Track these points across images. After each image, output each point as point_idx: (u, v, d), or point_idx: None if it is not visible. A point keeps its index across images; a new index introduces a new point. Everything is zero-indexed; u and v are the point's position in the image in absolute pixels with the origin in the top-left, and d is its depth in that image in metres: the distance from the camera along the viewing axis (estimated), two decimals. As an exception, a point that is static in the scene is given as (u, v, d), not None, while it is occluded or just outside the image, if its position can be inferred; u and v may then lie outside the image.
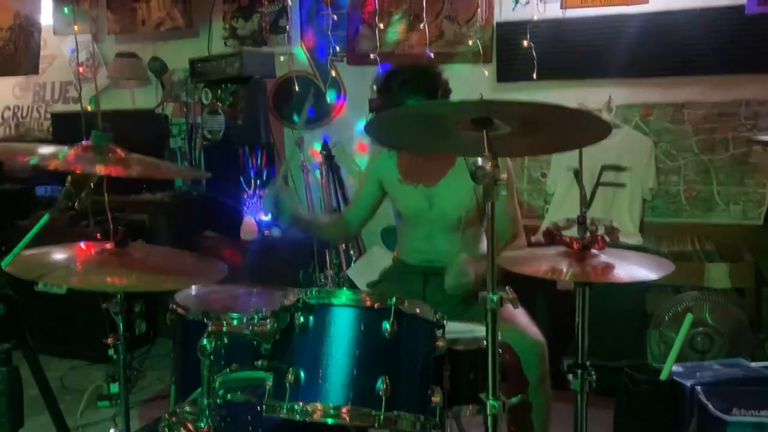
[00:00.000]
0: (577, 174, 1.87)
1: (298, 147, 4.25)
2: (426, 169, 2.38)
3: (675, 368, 2.07)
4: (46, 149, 1.71)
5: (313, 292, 1.43)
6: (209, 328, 1.42)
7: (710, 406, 1.98)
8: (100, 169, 1.64)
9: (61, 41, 5.05)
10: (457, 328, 1.72)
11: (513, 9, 3.80)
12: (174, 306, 1.91)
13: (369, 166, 2.59)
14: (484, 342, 1.41)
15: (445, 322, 1.52)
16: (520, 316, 2.18)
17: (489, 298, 1.38)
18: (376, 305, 1.41)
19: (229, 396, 1.60)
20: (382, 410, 1.35)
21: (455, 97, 2.34)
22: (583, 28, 3.67)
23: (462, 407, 1.58)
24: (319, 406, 1.35)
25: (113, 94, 4.98)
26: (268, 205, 2.35)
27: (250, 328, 1.46)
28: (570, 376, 1.81)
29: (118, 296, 1.92)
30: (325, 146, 4.11)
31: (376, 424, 1.37)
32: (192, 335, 1.77)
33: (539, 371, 2.12)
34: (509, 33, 3.81)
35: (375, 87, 2.38)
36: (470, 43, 3.89)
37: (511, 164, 2.52)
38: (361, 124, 4.09)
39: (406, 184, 2.41)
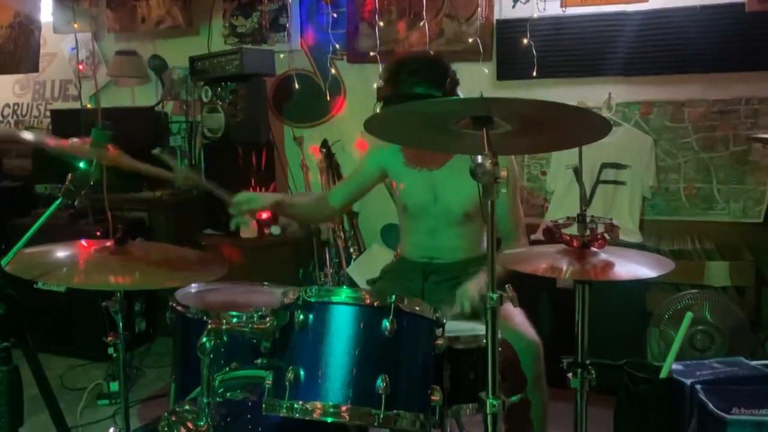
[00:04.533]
0: (577, 172, 1.87)
1: (297, 145, 4.26)
2: (430, 154, 2.37)
3: (675, 367, 2.07)
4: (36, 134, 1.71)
5: (313, 291, 1.43)
6: (209, 327, 1.42)
7: (710, 404, 1.98)
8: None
9: (61, 39, 5.05)
10: (457, 327, 1.72)
11: (513, 7, 3.80)
12: (174, 304, 1.91)
13: (373, 153, 2.54)
14: (484, 340, 1.41)
15: (444, 320, 1.52)
16: (517, 315, 2.17)
17: (489, 296, 1.38)
18: (375, 303, 1.41)
19: (228, 394, 1.61)
20: (382, 409, 1.35)
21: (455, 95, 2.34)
22: (583, 26, 3.67)
23: (462, 406, 1.58)
24: (318, 404, 1.35)
25: (113, 92, 4.98)
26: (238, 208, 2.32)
27: (250, 326, 1.46)
28: (569, 375, 1.81)
29: (118, 294, 1.92)
30: (324, 144, 4.11)
31: (375, 423, 1.36)
32: (192, 333, 1.77)
33: (535, 371, 2.13)
34: (509, 31, 3.81)
35: (383, 76, 2.36)
36: (470, 41, 3.88)
37: (516, 165, 2.51)
38: (360, 122, 4.08)
39: (410, 168, 2.40)
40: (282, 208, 2.50)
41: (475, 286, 2.05)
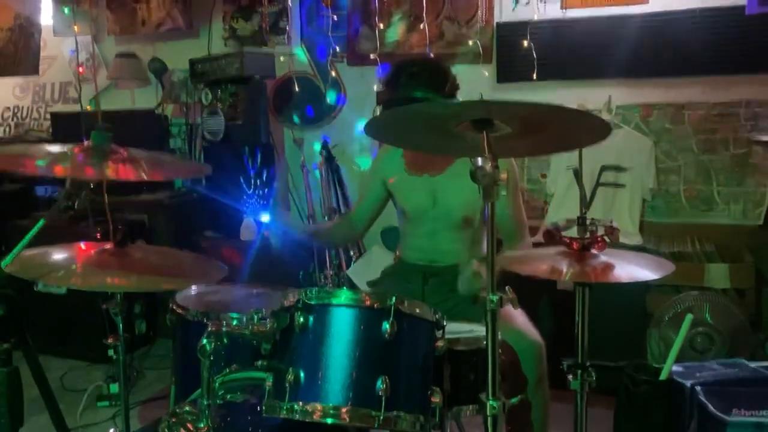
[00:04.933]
0: (577, 174, 1.87)
1: (298, 147, 4.26)
2: (431, 160, 2.37)
3: (675, 368, 2.08)
4: (47, 148, 1.71)
5: (313, 292, 1.43)
6: (209, 329, 1.43)
7: (710, 406, 1.98)
8: (110, 173, 1.65)
9: (61, 42, 5.05)
10: (456, 328, 1.72)
11: (513, 9, 3.80)
12: (174, 306, 1.91)
13: (374, 165, 2.58)
14: (484, 342, 1.41)
15: (444, 322, 1.52)
16: (519, 317, 2.18)
17: (489, 298, 1.38)
18: (375, 305, 1.41)
19: (229, 396, 1.61)
20: (382, 410, 1.35)
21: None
22: (584, 29, 3.68)
23: (462, 407, 1.58)
24: (318, 406, 1.35)
25: (113, 94, 4.98)
26: (275, 233, 2.39)
27: (250, 328, 1.46)
28: (570, 376, 1.81)
29: (118, 296, 1.92)
30: (325, 146, 4.11)
31: (375, 425, 1.36)
32: (192, 335, 1.77)
33: (537, 372, 2.13)
34: (509, 33, 3.82)
35: (383, 80, 2.37)
36: (470, 43, 3.89)
37: (516, 166, 2.52)
38: (361, 125, 4.09)
39: (412, 174, 2.40)
40: (316, 237, 2.67)
41: (478, 263, 2.04)
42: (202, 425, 1.43)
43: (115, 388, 3.32)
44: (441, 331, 1.51)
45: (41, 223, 1.65)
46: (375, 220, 2.62)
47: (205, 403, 1.42)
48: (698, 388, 2.03)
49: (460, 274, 2.06)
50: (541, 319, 2.91)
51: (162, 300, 3.77)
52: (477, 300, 1.98)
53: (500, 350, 1.43)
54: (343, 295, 1.43)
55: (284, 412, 1.36)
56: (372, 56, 4.06)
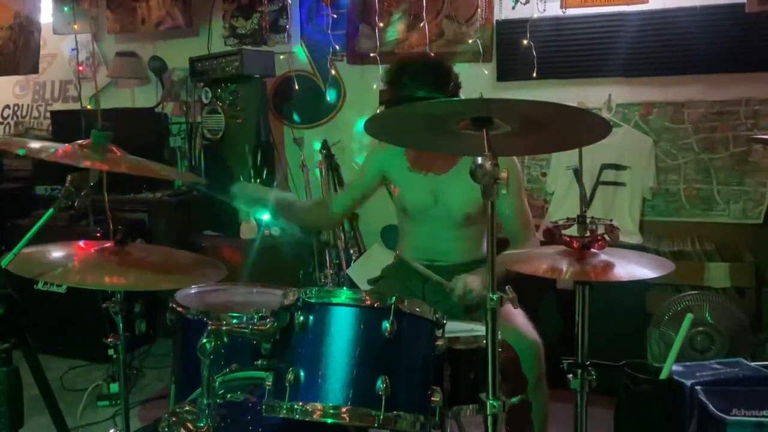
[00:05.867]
0: (577, 173, 1.87)
1: (298, 146, 4.25)
2: (435, 158, 2.36)
3: (675, 368, 2.07)
4: (38, 143, 1.71)
5: (313, 292, 1.43)
6: (209, 328, 1.42)
7: (710, 405, 1.98)
8: (87, 164, 1.65)
9: (61, 40, 5.05)
10: (457, 328, 1.72)
11: (513, 8, 3.80)
12: (174, 305, 1.91)
13: (372, 158, 2.55)
14: (484, 341, 1.41)
15: (444, 321, 1.52)
16: (518, 316, 2.17)
17: (489, 297, 1.38)
18: (375, 305, 1.41)
19: (229, 396, 1.61)
20: (382, 410, 1.35)
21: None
22: (583, 27, 3.68)
23: (462, 407, 1.58)
24: (318, 405, 1.35)
25: (113, 93, 4.98)
26: (241, 200, 2.38)
27: (250, 327, 1.46)
28: (570, 376, 1.81)
29: (118, 296, 1.92)
30: (324, 145, 4.10)
31: (375, 424, 1.36)
32: (192, 335, 1.77)
33: (536, 371, 2.13)
34: (509, 32, 3.82)
35: (385, 79, 2.36)
36: (470, 42, 3.89)
37: (519, 166, 2.51)
38: (360, 123, 4.08)
39: (415, 173, 2.39)
40: (283, 206, 2.56)
41: (473, 278, 2.06)
42: (202, 425, 1.43)
43: (115, 387, 3.32)
44: (441, 330, 1.51)
45: (50, 212, 1.65)
46: (353, 209, 2.64)
47: (205, 402, 1.42)
48: (698, 387, 2.03)
49: (453, 288, 2.07)
50: (544, 318, 2.92)
51: (162, 299, 3.76)
52: (471, 311, 2.00)
53: (500, 349, 1.43)
54: (343, 294, 1.43)
55: (284, 411, 1.36)
56: (372, 55, 4.06)
